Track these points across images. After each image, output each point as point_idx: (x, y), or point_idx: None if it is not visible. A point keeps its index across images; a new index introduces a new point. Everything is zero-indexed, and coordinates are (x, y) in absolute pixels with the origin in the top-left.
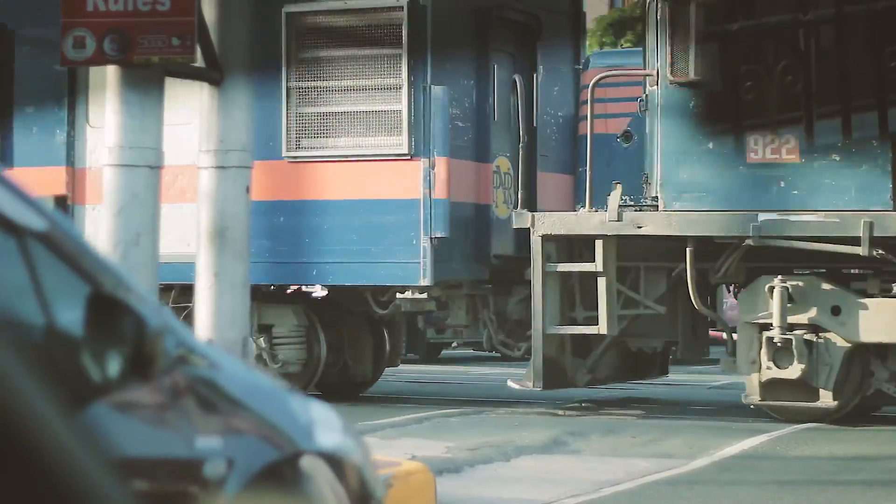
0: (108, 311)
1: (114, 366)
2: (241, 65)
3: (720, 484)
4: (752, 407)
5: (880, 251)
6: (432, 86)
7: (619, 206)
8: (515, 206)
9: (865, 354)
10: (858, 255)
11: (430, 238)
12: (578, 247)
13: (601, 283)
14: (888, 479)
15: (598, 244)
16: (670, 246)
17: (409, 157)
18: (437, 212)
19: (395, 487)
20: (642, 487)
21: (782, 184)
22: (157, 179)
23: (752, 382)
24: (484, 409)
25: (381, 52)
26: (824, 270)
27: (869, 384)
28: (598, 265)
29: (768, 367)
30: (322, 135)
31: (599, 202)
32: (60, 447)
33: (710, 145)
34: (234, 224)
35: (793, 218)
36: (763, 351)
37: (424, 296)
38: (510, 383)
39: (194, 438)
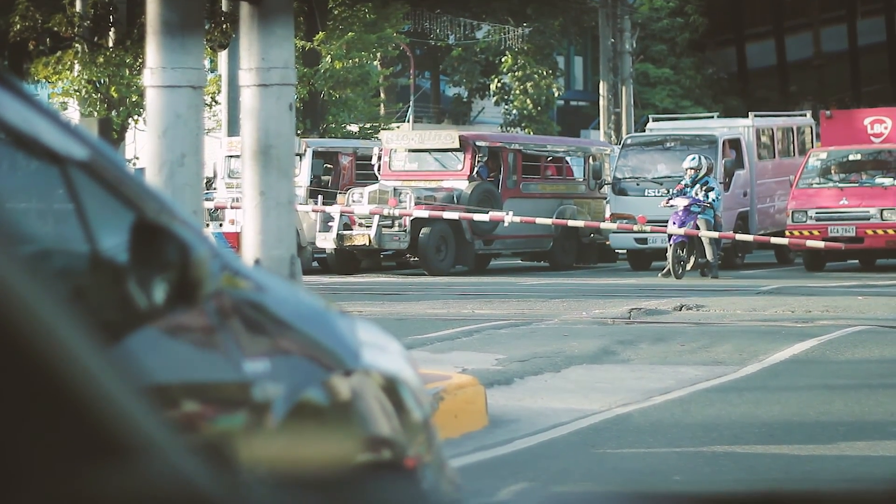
0: (153, 237)
1: (159, 291)
2: None
3: (770, 390)
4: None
5: None
6: None
7: None
8: None
9: None
10: None
11: None
12: None
13: None
14: None
15: None
16: None
17: None
18: None
19: (446, 401)
20: (692, 395)
21: None
22: (200, 99)
23: None
24: (533, 320)
25: None
26: None
27: None
28: None
29: None
30: None
31: None
32: (87, 376)
33: None
34: (279, 142)
35: None
36: None
37: None
38: None
39: (242, 361)
